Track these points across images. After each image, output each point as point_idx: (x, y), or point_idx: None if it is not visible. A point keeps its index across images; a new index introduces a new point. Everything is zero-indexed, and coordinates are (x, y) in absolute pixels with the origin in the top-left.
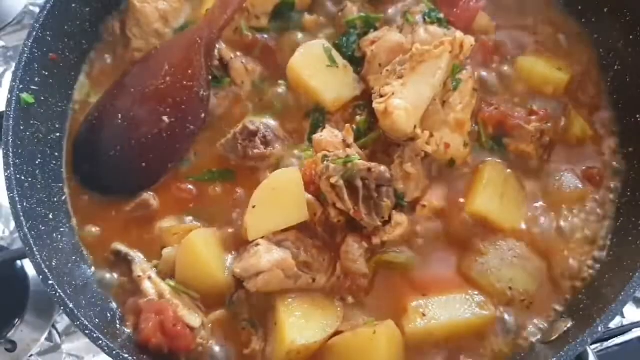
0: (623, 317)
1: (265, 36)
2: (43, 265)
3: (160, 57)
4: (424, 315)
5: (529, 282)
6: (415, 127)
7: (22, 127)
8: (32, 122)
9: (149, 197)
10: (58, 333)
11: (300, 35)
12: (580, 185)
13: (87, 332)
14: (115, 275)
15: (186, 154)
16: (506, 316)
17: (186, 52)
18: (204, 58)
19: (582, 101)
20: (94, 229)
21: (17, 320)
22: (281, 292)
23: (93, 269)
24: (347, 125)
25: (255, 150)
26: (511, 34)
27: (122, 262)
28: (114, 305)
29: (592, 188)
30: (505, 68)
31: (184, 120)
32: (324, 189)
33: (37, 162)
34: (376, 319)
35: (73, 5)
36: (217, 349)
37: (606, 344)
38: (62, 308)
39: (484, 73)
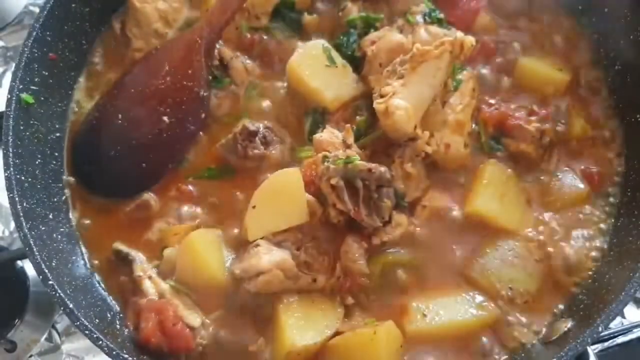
0: (623, 317)
1: (265, 36)
2: (43, 266)
3: (160, 57)
4: (424, 315)
5: (529, 282)
6: (415, 127)
7: (22, 127)
8: (32, 122)
9: (149, 197)
10: (58, 333)
11: (299, 35)
12: (580, 186)
13: (87, 332)
14: (116, 275)
15: (186, 155)
16: (506, 316)
17: (186, 52)
18: (204, 58)
19: (583, 101)
20: (94, 229)
21: (17, 320)
22: (281, 293)
23: (93, 269)
24: (347, 125)
25: (255, 151)
26: (512, 34)
27: (122, 262)
28: (114, 305)
29: (592, 188)
30: (506, 68)
31: (184, 120)
32: (324, 190)
33: (37, 162)
34: (376, 320)
35: (73, 5)
36: (215, 349)
37: (607, 344)
38: (62, 308)
39: (484, 73)
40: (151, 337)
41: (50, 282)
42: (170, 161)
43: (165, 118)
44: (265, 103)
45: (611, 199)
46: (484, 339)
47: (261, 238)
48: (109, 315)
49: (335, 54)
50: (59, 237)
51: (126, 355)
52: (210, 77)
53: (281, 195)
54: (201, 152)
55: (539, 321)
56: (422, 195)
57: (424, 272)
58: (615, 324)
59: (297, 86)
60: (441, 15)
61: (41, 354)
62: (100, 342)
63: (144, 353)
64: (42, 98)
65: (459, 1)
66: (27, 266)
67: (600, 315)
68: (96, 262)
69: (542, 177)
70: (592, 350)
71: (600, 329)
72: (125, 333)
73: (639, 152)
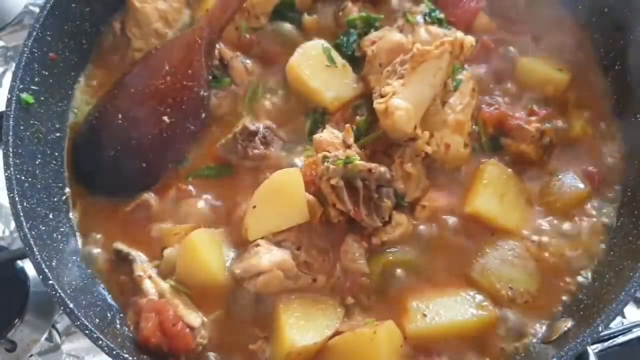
0: (624, 317)
1: (265, 37)
2: (43, 265)
3: (160, 57)
4: (424, 315)
5: (529, 282)
6: (415, 127)
7: (22, 127)
8: (32, 122)
9: (149, 197)
10: (58, 333)
11: (299, 35)
12: (580, 186)
13: (87, 332)
14: (116, 275)
15: (186, 154)
16: (506, 316)
17: (186, 52)
18: (204, 58)
19: (582, 101)
20: (94, 229)
21: (17, 320)
22: (281, 293)
23: (93, 268)
24: (347, 125)
25: (255, 151)
26: (511, 34)
27: (122, 262)
28: (114, 305)
29: (592, 188)
30: (506, 68)
31: (184, 120)
32: (324, 190)
33: (37, 162)
34: (376, 320)
35: (73, 5)
36: (216, 349)
37: (607, 344)
38: (62, 308)
39: (484, 73)
40: (151, 337)
41: (50, 282)
42: (170, 161)
43: (165, 118)
44: (265, 103)
45: (611, 199)
46: (484, 339)
47: (261, 238)
48: (109, 315)
49: (335, 54)
50: (59, 236)
51: (126, 355)
52: (210, 77)
53: (281, 195)
54: (201, 152)
55: (538, 321)
56: (422, 195)
57: (423, 272)
58: (615, 324)
59: (297, 86)
60: (441, 15)
61: (41, 353)
62: (100, 341)
63: (144, 353)
64: (42, 98)
65: (459, 1)
66: (27, 266)
67: (600, 315)
68: (96, 261)
69: (542, 177)
70: (592, 350)
71: (600, 329)
72: (125, 333)
73: (639, 152)
